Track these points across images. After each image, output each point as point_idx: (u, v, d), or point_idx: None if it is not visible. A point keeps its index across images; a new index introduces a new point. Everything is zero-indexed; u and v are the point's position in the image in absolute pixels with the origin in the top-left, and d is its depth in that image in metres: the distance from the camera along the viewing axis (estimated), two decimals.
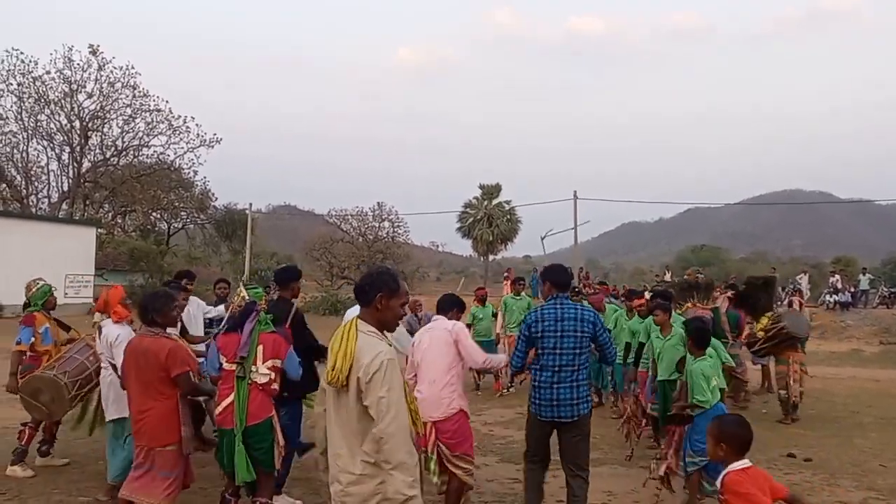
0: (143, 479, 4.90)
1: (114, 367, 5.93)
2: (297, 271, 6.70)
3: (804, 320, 11.64)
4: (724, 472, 3.55)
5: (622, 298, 12.54)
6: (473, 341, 5.81)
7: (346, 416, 3.27)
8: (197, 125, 39.26)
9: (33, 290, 7.07)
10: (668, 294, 9.08)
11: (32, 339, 6.86)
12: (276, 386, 5.22)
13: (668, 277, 34.37)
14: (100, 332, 6.21)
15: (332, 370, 3.24)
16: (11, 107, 36.54)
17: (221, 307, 8.51)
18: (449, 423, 5.27)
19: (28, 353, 6.86)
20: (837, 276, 28.79)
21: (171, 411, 4.88)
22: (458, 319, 5.80)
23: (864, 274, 31.10)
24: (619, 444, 8.56)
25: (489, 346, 11.77)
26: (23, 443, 6.90)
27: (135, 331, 5.65)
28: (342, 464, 3.28)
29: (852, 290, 28.66)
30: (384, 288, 3.40)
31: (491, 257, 46.81)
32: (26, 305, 7.09)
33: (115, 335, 5.98)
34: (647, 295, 9.76)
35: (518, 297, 12.77)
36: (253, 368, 5.11)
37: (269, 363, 5.15)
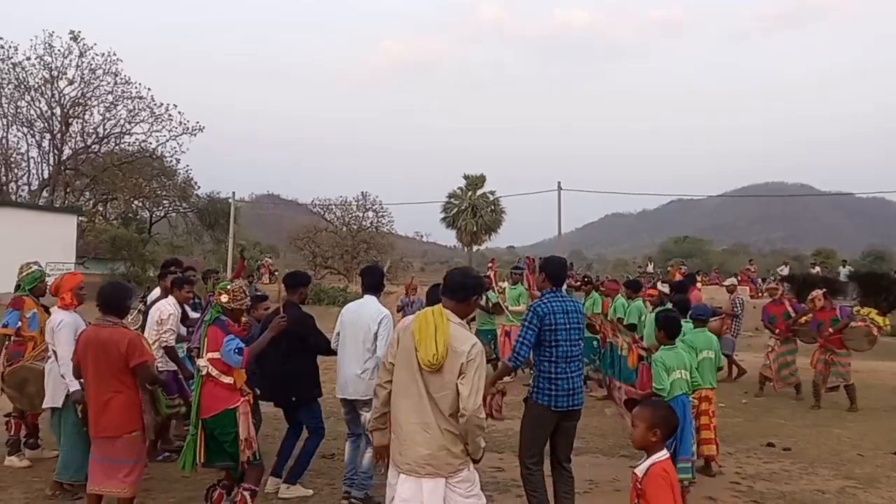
0: (106, 471, 4.92)
1: (55, 353, 5.89)
2: (306, 277, 6.78)
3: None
4: (651, 461, 3.49)
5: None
6: None
7: (441, 393, 3.78)
8: (179, 113, 38.73)
9: (24, 273, 6.85)
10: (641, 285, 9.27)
11: (19, 323, 6.61)
12: (227, 379, 5.11)
13: (650, 269, 34.65)
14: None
15: (435, 354, 3.73)
16: None
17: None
18: None
19: (13, 338, 6.63)
20: (818, 268, 29.08)
21: (133, 400, 4.93)
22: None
23: (843, 266, 31.41)
24: (599, 434, 8.64)
25: (484, 335, 12.14)
26: (13, 433, 6.84)
27: (90, 322, 5.59)
28: (433, 432, 3.78)
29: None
30: (480, 291, 4.19)
31: (475, 247, 46.85)
32: (17, 288, 6.86)
33: (59, 321, 5.92)
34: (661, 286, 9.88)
35: (513, 287, 12.99)
36: (200, 361, 5.20)
37: (209, 355, 5.12)
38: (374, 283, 6.14)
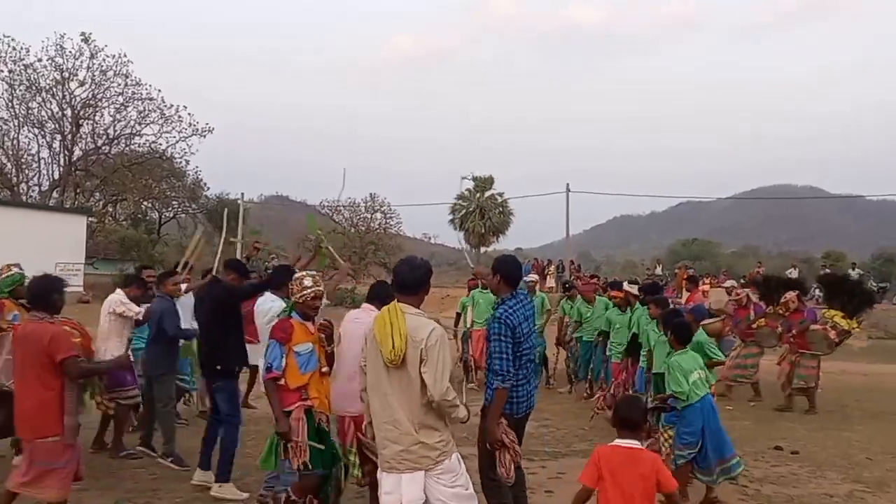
0: (27, 472, 4.66)
1: None
2: (242, 267, 6.67)
3: None
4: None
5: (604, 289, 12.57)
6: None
7: (407, 387, 3.84)
8: (189, 114, 38.89)
9: (3, 275, 6.82)
10: (660, 288, 9.20)
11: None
12: (281, 381, 5.00)
13: (659, 271, 34.56)
14: None
15: (392, 350, 3.78)
16: (2, 94, 36.26)
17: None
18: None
19: None
20: (827, 271, 28.94)
21: (52, 400, 4.61)
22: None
23: (853, 269, 31.24)
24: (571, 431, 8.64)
25: None
26: None
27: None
28: (403, 428, 3.82)
29: (880, 284, 28.87)
30: (430, 277, 4.20)
31: (483, 249, 46.81)
32: None
33: None
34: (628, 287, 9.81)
35: (485, 290, 11.97)
36: None
37: None
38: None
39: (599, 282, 14.21)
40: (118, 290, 7.50)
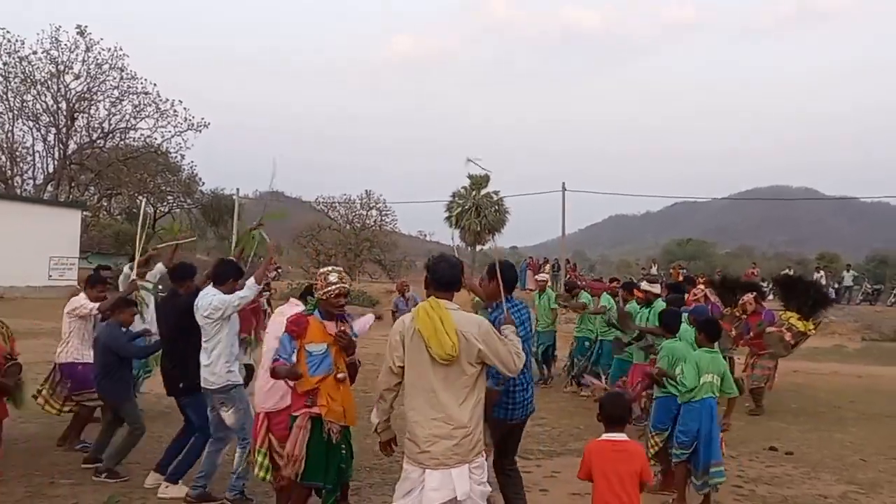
0: None
1: None
2: (192, 270, 6.48)
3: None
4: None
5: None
6: None
7: (457, 381, 3.85)
8: (185, 109, 38.87)
9: None
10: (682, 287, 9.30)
11: None
12: (291, 382, 4.81)
13: (654, 270, 34.58)
14: None
15: (452, 346, 3.77)
16: None
17: None
18: (282, 414, 5.08)
19: None
20: (822, 273, 29.01)
21: None
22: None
23: (848, 270, 31.32)
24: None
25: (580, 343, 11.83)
26: None
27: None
28: (457, 422, 3.82)
29: (836, 286, 28.89)
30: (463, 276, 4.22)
31: (478, 247, 46.80)
32: None
33: None
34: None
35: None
36: None
37: None
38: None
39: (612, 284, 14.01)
40: (82, 294, 7.34)
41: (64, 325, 7.28)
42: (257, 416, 5.26)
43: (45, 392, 7.25)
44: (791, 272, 32.03)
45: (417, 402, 3.89)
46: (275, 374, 4.69)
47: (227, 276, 5.74)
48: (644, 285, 9.78)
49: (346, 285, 4.72)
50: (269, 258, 6.44)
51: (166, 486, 5.88)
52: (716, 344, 6.30)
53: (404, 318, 4.04)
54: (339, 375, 4.67)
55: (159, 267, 8.24)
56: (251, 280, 5.76)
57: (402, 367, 3.94)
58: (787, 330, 10.73)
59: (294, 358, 4.61)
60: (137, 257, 7.38)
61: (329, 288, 4.69)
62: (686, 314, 7.38)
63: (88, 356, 7.01)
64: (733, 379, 6.29)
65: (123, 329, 6.65)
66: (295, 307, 5.25)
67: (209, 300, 5.57)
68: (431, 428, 3.83)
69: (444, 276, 4.11)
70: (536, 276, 14.09)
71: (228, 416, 5.60)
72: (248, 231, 7.74)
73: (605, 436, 4.20)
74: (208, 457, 5.80)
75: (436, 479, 3.80)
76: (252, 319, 8.49)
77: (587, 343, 11.54)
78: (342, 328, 4.72)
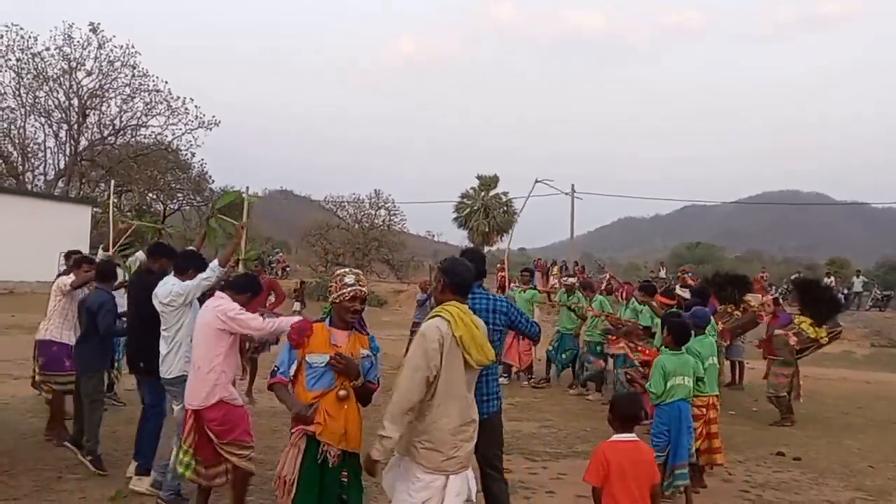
0: None
1: None
2: (170, 251, 6.45)
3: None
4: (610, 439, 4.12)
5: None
6: (247, 314, 5.05)
7: (473, 384, 3.94)
8: (196, 107, 38.98)
9: None
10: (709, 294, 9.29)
11: None
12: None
13: (662, 274, 34.50)
14: None
15: (493, 353, 3.92)
16: (10, 82, 36.35)
17: None
18: (212, 411, 4.94)
19: None
20: (832, 278, 28.88)
21: None
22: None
23: (857, 276, 31.17)
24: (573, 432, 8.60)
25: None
26: None
27: None
28: (476, 423, 3.91)
29: (846, 291, 28.76)
30: None
31: (486, 248, 46.81)
32: None
33: None
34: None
35: (522, 291, 12.81)
36: None
37: None
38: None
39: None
40: (72, 274, 7.39)
41: (50, 304, 7.36)
42: (186, 413, 5.10)
43: (37, 375, 7.40)
44: (800, 276, 32.00)
45: (452, 409, 3.78)
46: (272, 390, 4.18)
47: (188, 267, 5.67)
48: (678, 290, 9.66)
49: (364, 289, 4.20)
50: (234, 241, 6.25)
51: (139, 479, 5.83)
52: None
53: (440, 326, 3.78)
54: (341, 393, 4.02)
55: (139, 255, 8.28)
56: (214, 262, 5.63)
57: (437, 378, 3.76)
58: (795, 335, 10.51)
59: (293, 371, 4.09)
60: (111, 248, 7.51)
61: (343, 290, 4.11)
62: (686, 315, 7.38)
63: (67, 337, 7.10)
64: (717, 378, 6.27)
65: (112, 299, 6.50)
66: (220, 299, 5.05)
67: (169, 287, 5.49)
68: (461, 434, 3.80)
69: (465, 280, 4.06)
70: (565, 280, 13.83)
71: (178, 410, 5.46)
72: (206, 220, 7.71)
73: (617, 437, 4.10)
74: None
75: (457, 483, 3.79)
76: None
77: (598, 348, 11.49)
78: (339, 350, 4.06)
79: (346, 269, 4.31)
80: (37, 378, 7.61)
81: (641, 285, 11.01)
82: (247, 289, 5.28)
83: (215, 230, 7.44)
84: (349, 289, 4.12)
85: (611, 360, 11.13)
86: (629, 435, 4.10)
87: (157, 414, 5.92)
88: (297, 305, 21.13)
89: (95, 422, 6.39)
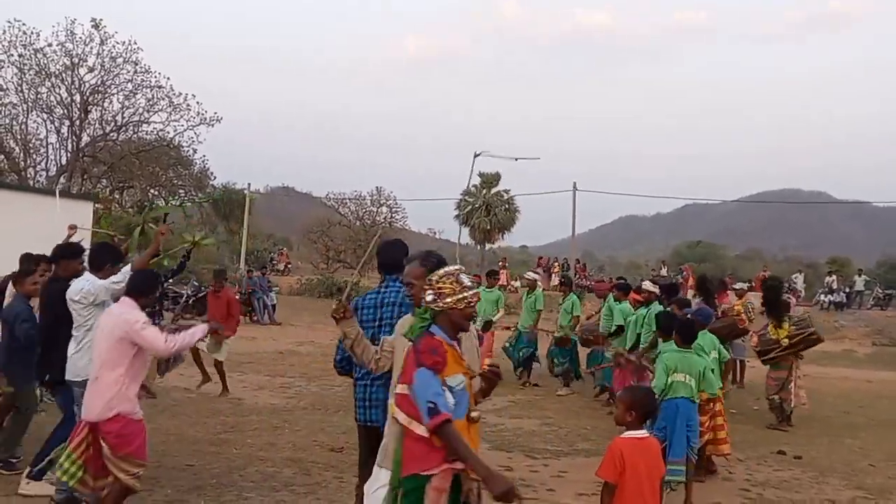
0: None
1: None
2: (79, 249, 6.29)
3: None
4: (623, 435, 4.00)
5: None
6: (152, 328, 4.83)
7: None
8: (198, 103, 38.86)
9: None
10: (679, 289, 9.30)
11: None
12: (419, 430, 3.31)
13: (664, 272, 34.50)
14: None
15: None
16: (12, 78, 36.25)
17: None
18: (110, 424, 4.65)
19: None
20: (833, 277, 28.84)
21: None
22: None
23: (859, 275, 31.09)
24: (573, 430, 8.64)
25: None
26: None
27: None
28: None
29: (847, 290, 28.72)
30: None
31: (488, 246, 46.77)
32: None
33: None
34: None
35: (489, 290, 12.49)
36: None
37: (399, 388, 3.50)
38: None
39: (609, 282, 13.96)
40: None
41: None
42: (79, 424, 4.85)
43: None
44: (802, 276, 31.98)
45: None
46: (441, 435, 3.22)
47: (104, 262, 5.50)
48: (646, 285, 9.77)
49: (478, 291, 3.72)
50: (153, 245, 6.08)
51: (27, 483, 5.51)
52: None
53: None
54: (474, 414, 3.43)
55: (126, 269, 8.08)
56: (127, 267, 5.43)
57: None
58: (759, 335, 10.39)
59: (452, 402, 3.28)
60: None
61: (465, 293, 3.44)
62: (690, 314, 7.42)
63: None
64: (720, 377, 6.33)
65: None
66: (128, 306, 4.81)
67: (81, 285, 5.32)
68: None
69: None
70: (527, 274, 13.78)
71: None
72: (137, 228, 7.56)
73: (631, 433, 3.99)
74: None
75: None
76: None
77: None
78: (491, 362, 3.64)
79: (456, 268, 3.59)
80: None
81: (616, 283, 11.07)
82: (148, 290, 5.02)
83: (135, 240, 7.30)
84: (471, 292, 3.49)
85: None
86: (642, 431, 4.05)
87: (72, 423, 5.43)
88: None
89: (20, 431, 6.11)
